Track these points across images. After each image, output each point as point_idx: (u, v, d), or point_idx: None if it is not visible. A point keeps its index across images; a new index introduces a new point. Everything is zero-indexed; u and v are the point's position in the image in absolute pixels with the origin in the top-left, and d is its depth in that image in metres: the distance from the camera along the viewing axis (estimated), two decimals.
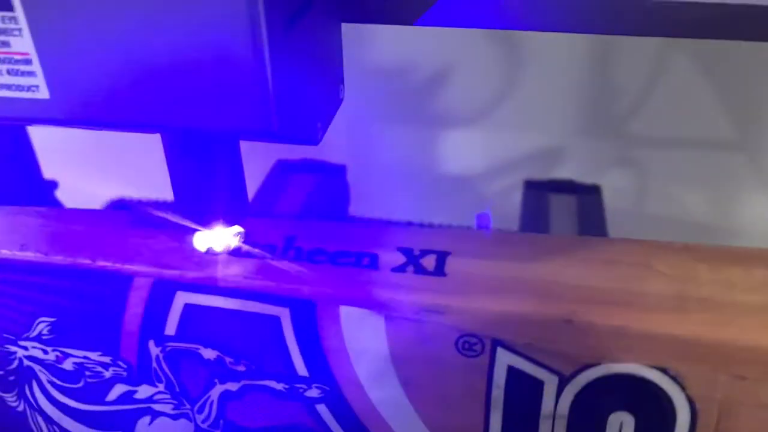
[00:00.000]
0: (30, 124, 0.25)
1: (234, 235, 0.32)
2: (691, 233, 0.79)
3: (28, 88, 0.24)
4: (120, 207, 0.62)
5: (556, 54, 0.71)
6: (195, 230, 0.32)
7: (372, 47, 0.75)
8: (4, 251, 0.33)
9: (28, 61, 0.24)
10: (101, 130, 0.25)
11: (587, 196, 0.69)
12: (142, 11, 0.22)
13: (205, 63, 0.23)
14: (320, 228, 0.34)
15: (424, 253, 0.32)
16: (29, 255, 0.33)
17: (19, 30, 0.23)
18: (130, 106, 0.24)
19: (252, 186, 0.65)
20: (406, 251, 0.32)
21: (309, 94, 0.27)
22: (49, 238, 0.33)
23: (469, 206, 0.83)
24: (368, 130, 0.80)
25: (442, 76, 0.79)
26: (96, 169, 0.68)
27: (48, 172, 0.59)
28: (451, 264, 0.31)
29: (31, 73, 0.24)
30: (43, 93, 0.24)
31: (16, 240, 0.33)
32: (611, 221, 0.70)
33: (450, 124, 0.81)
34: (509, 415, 0.31)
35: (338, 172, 0.73)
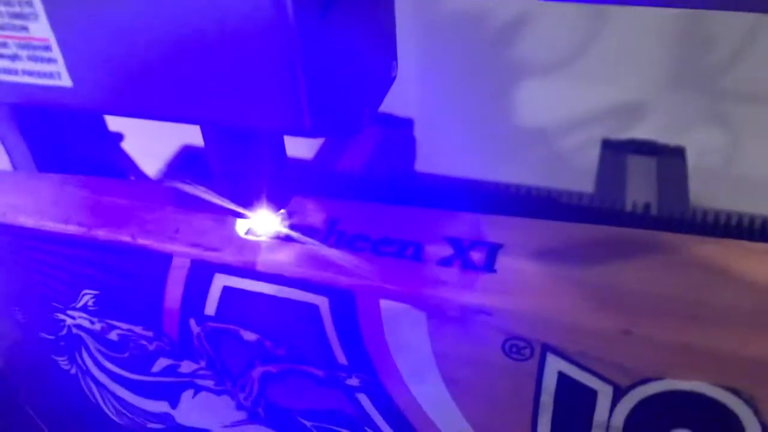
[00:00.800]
0: (56, 110, 0.24)
1: (276, 218, 0.31)
2: None
3: (50, 75, 0.23)
4: (187, 155, 0.61)
5: None
6: (236, 211, 0.31)
7: None
8: (48, 223, 0.33)
9: (48, 48, 0.22)
10: (126, 117, 0.24)
11: (669, 158, 0.64)
12: None
13: (232, 53, 0.21)
14: (365, 211, 0.32)
15: (474, 244, 0.30)
16: (72, 229, 0.32)
17: (36, 15, 0.22)
18: (155, 96, 0.22)
19: (316, 139, 0.63)
20: (455, 242, 0.30)
21: (352, 83, 0.24)
22: (92, 212, 0.33)
23: (542, 164, 0.79)
24: (438, 81, 0.76)
25: (519, 24, 0.75)
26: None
27: (113, 124, 0.59)
28: (502, 258, 0.29)
29: (51, 60, 0.22)
30: (66, 81, 0.23)
31: (60, 212, 0.33)
32: (697, 184, 0.65)
33: (525, 76, 0.76)
34: (558, 422, 0.29)
35: (405, 125, 0.70)
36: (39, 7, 0.21)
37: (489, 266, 0.29)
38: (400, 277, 0.29)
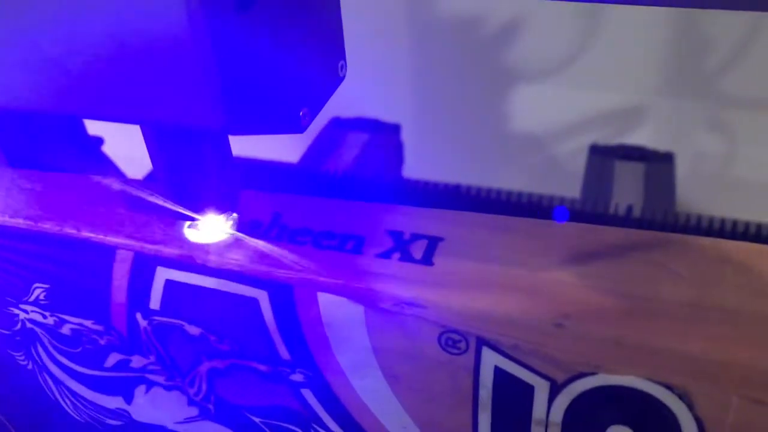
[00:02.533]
0: None
1: (224, 220, 0.30)
2: None
3: None
4: None
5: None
6: (183, 213, 0.30)
7: None
8: None
9: None
10: (47, 116, 0.24)
11: (657, 164, 0.63)
12: None
13: (150, 53, 0.21)
14: (310, 205, 0.32)
15: (415, 237, 0.29)
16: (20, 222, 0.32)
17: None
18: (72, 94, 0.22)
19: (304, 142, 0.63)
20: (396, 235, 0.30)
21: (281, 81, 0.24)
22: (40, 205, 0.33)
23: (531, 169, 0.78)
24: (426, 86, 0.76)
25: (510, 29, 0.74)
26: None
27: (93, 128, 0.59)
28: (440, 252, 0.29)
29: None
30: None
31: (9, 205, 0.33)
32: (689, 189, 0.63)
33: (515, 81, 0.76)
34: (498, 418, 0.29)
35: (393, 130, 0.69)
36: None
37: (427, 259, 0.28)
38: (337, 270, 0.28)
